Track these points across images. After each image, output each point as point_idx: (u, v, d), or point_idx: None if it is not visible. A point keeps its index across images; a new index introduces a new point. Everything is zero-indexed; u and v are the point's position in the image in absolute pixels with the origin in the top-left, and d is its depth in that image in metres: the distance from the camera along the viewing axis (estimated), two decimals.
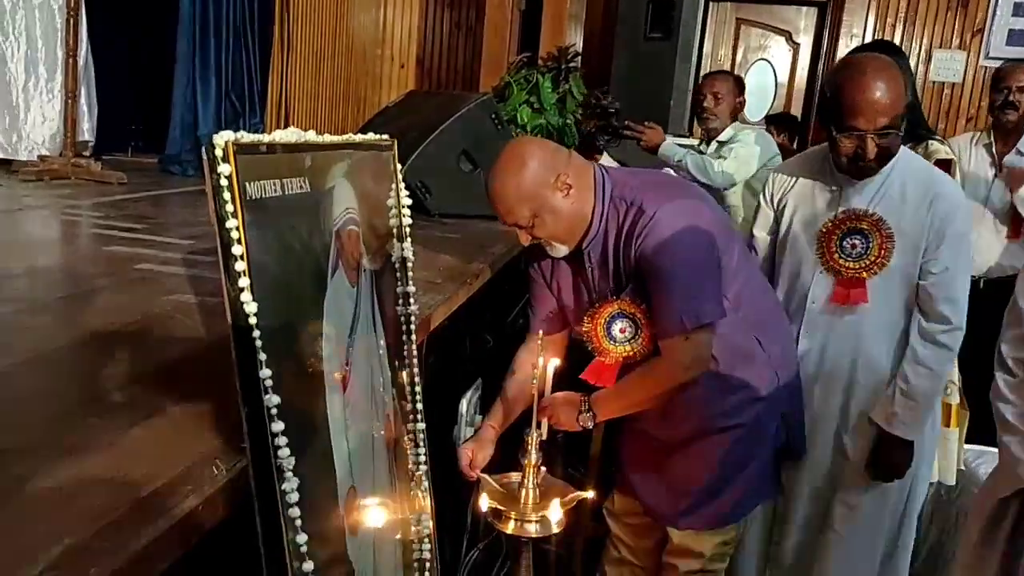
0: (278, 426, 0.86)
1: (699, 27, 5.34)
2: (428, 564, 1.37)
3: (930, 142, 2.99)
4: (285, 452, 0.87)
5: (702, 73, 4.97)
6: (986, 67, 5.49)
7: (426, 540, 1.37)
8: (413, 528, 1.36)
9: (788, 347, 2.01)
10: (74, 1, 3.23)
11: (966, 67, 5.60)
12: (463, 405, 2.18)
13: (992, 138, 3.32)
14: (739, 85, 3.46)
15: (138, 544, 0.69)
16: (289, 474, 0.88)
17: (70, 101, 3.32)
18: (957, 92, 5.66)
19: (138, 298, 1.55)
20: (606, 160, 3.51)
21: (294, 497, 0.88)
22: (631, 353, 1.81)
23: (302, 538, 0.90)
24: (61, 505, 0.74)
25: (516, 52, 4.39)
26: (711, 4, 5.98)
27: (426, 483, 1.38)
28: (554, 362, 1.75)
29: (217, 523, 0.83)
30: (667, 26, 4.55)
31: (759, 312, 1.90)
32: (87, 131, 3.60)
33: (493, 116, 3.20)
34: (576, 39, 4.85)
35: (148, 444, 0.91)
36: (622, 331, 1.81)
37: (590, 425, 1.89)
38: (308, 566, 0.91)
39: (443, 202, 3.08)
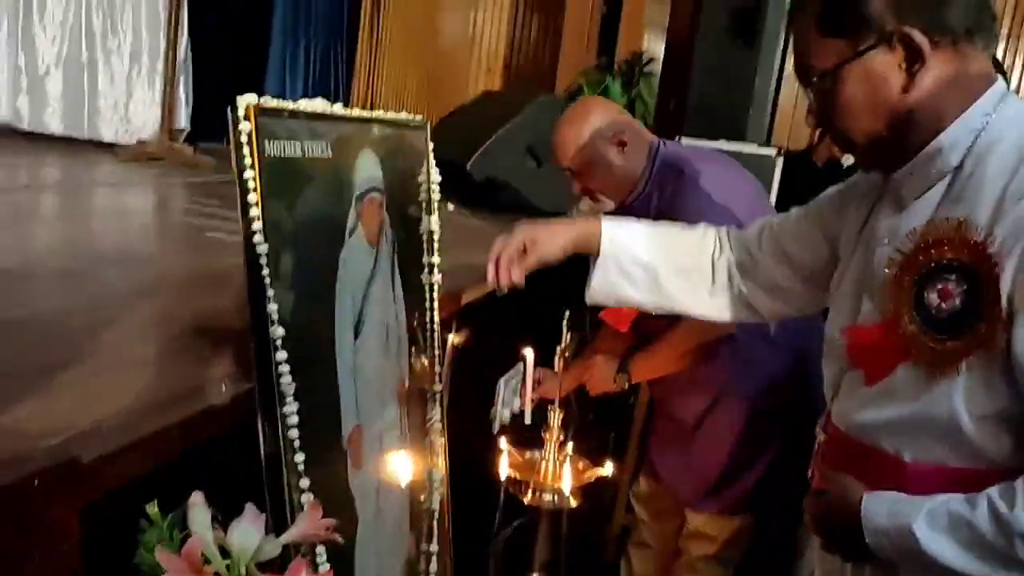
0: (281, 355, 0.98)
1: (782, 36, 5.30)
2: (436, 515, 1.47)
3: None
4: (287, 379, 0.99)
5: (783, 83, 4.93)
6: None
7: (436, 493, 1.48)
8: (425, 481, 1.46)
9: (813, 337, 1.96)
10: None
11: None
12: (501, 386, 2.27)
13: None
14: None
15: (154, 426, 0.82)
16: (290, 399, 1.00)
17: (169, 89, 3.58)
18: None
19: (201, 257, 1.73)
20: None
21: (294, 420, 1.00)
22: None
23: (299, 457, 1.01)
24: (125, 385, 0.89)
25: (596, 57, 4.48)
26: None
27: (440, 441, 1.49)
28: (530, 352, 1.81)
29: (221, 431, 0.96)
30: (750, 35, 4.55)
31: None
32: (183, 119, 3.86)
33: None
34: (657, 46, 4.90)
35: (175, 364, 1.05)
36: None
37: (625, 386, 1.97)
38: (304, 483, 1.03)
39: (507, 196, 3.20)
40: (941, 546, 0.95)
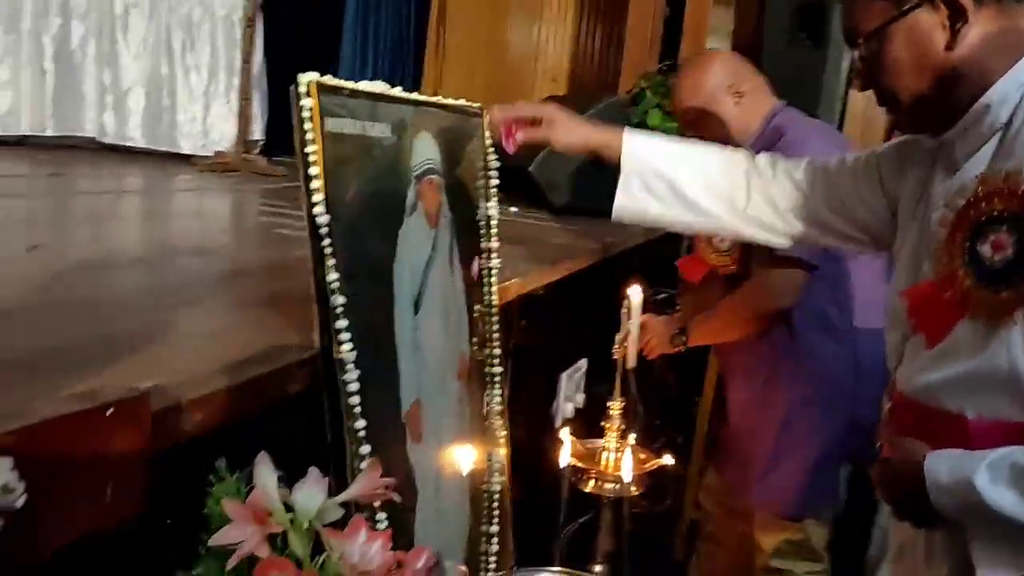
0: (342, 323, 1.02)
1: None
2: (497, 497, 1.49)
3: None
4: (347, 347, 1.03)
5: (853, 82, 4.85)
6: None
7: (497, 475, 1.50)
8: (485, 463, 1.48)
9: (874, 345, 1.73)
10: (251, 14, 3.63)
11: None
12: (563, 380, 2.29)
13: None
14: None
15: (221, 384, 0.87)
16: (351, 367, 1.03)
17: (244, 103, 3.72)
18: None
19: (270, 250, 1.80)
20: None
21: (354, 387, 1.04)
22: (718, 264, 1.91)
23: (360, 423, 1.05)
24: (207, 348, 0.98)
25: (658, 61, 4.47)
26: None
27: (500, 422, 1.51)
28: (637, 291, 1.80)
29: (287, 396, 1.00)
30: (818, 34, 4.49)
31: (858, 291, 1.89)
32: (258, 131, 4.00)
33: (621, 117, 3.30)
34: (723, 49, 4.87)
35: (244, 335, 1.10)
36: (720, 241, 1.90)
37: (682, 348, 1.97)
38: (365, 449, 1.06)
39: (568, 199, 3.21)
40: (1003, 497, 0.93)
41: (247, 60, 3.68)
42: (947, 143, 1.11)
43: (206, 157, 3.69)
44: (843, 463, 1.99)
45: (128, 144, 3.78)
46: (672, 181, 1.39)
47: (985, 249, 0.98)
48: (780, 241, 1.41)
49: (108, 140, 3.75)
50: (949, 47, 1.03)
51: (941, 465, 1.00)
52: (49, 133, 3.64)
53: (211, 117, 3.86)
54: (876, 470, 1.14)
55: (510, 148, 1.38)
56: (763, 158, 1.41)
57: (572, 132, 1.40)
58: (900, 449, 1.08)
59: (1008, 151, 1.01)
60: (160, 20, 3.75)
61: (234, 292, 1.43)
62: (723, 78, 1.90)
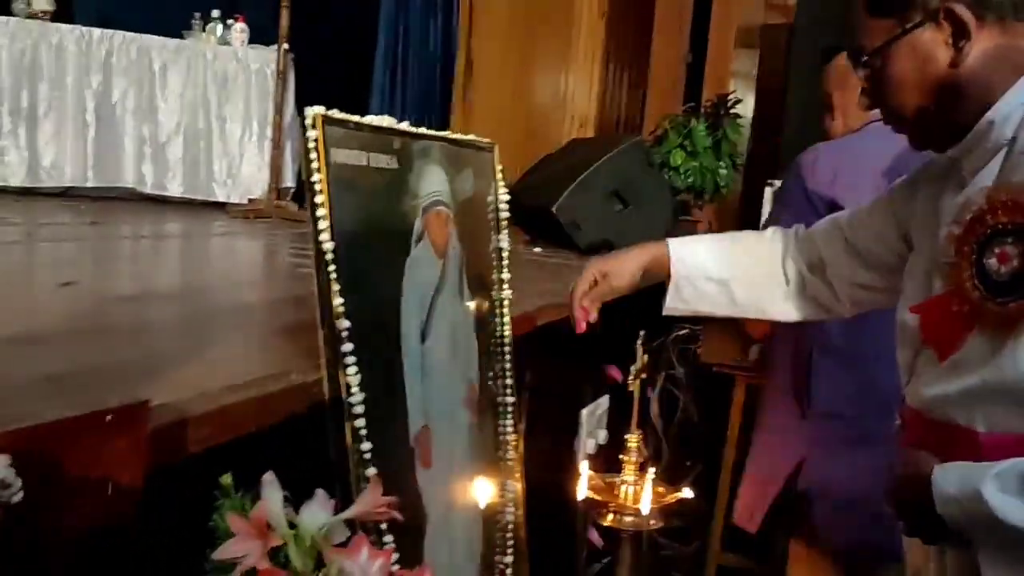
0: (347, 346, 1.05)
1: None
2: (512, 527, 1.50)
3: None
4: (353, 370, 1.06)
5: None
6: None
7: (511, 504, 1.50)
8: (498, 493, 1.49)
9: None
10: (283, 65, 3.77)
11: None
12: (583, 415, 2.29)
13: None
14: None
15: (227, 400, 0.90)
16: (356, 389, 1.06)
17: (276, 152, 3.84)
18: None
19: (293, 286, 1.86)
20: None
21: (360, 409, 1.06)
22: None
23: (366, 445, 1.07)
24: (210, 373, 1.01)
25: (681, 104, 4.53)
26: None
27: (512, 453, 1.52)
28: None
29: (293, 417, 1.03)
30: None
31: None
32: (290, 179, 4.12)
33: (643, 157, 3.35)
34: (747, 95, 4.92)
35: (259, 359, 1.14)
36: None
37: None
38: (370, 471, 1.08)
39: (593, 239, 3.24)
40: (1011, 506, 0.91)
41: (279, 112, 3.81)
42: (955, 160, 1.12)
43: (240, 205, 3.80)
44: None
45: (166, 194, 3.91)
46: (720, 281, 1.43)
47: (992, 262, 0.99)
48: (840, 311, 1.42)
49: (147, 190, 3.89)
50: (953, 64, 1.05)
51: (949, 476, 0.98)
52: (91, 184, 3.79)
53: (245, 165, 3.98)
54: (886, 483, 1.12)
55: (583, 327, 1.42)
56: (800, 234, 1.43)
57: (624, 269, 1.43)
58: (909, 462, 1.07)
59: (1014, 165, 1.02)
60: (196, 74, 3.90)
61: (256, 321, 1.49)
62: None
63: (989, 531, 0.95)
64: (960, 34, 1.04)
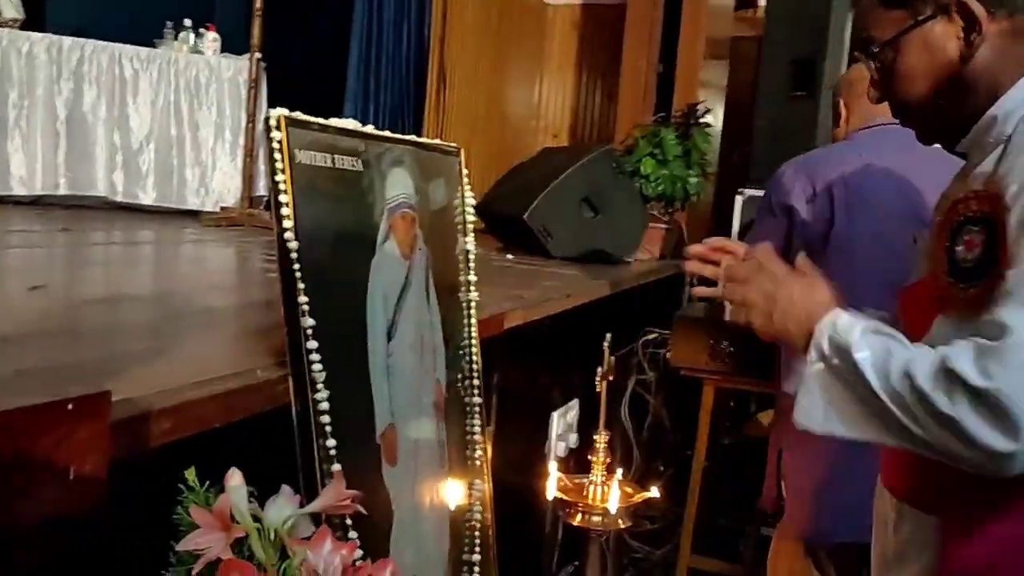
0: (312, 344, 1.07)
1: None
2: (479, 526, 1.51)
3: None
4: (318, 367, 1.07)
5: None
6: None
7: (478, 504, 1.52)
8: (465, 492, 1.51)
9: None
10: (255, 73, 3.78)
11: None
12: (554, 419, 2.32)
13: None
14: None
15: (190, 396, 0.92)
16: (321, 386, 1.08)
17: (248, 160, 3.84)
18: None
19: (261, 290, 1.87)
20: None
21: (324, 406, 1.08)
22: None
23: (331, 442, 1.09)
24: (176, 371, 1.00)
25: (652, 114, 4.59)
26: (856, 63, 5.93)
27: (479, 453, 1.54)
28: None
29: (256, 414, 1.04)
30: (810, 85, 4.60)
31: None
32: (262, 187, 4.12)
33: (614, 165, 3.39)
34: (717, 105, 4.99)
35: (224, 358, 1.16)
36: None
37: None
38: (335, 468, 1.09)
39: (564, 245, 3.28)
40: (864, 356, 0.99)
41: (251, 120, 3.81)
42: (963, 154, 1.15)
43: (212, 213, 3.80)
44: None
45: (138, 202, 3.90)
46: None
47: (960, 249, 1.02)
48: None
49: (119, 199, 3.87)
50: (963, 58, 1.06)
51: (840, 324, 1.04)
52: (62, 192, 3.77)
53: (217, 174, 3.98)
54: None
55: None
56: None
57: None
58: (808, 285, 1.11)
59: (1005, 160, 1.03)
60: (168, 82, 3.90)
61: (223, 322, 1.50)
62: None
63: (842, 368, 1.01)
64: (971, 28, 1.05)
